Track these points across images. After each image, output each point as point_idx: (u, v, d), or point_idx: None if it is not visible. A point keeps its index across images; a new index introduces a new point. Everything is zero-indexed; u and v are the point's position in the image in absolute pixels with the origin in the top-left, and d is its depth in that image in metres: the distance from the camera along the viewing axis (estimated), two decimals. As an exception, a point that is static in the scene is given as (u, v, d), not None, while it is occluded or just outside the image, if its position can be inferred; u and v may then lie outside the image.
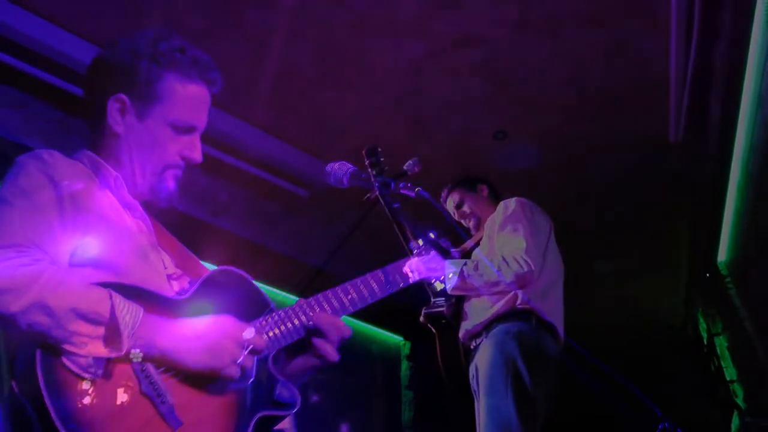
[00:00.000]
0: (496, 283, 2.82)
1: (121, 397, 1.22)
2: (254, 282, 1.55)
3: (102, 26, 3.42)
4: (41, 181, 1.40)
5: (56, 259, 1.34)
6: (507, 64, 3.83)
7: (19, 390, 1.19)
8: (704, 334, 6.50)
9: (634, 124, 4.35)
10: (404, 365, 7.01)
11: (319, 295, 1.62)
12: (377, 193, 2.01)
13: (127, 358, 1.25)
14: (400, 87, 4.00)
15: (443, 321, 3.07)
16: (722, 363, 6.03)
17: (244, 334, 1.39)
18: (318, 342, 1.53)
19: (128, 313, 1.25)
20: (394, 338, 7.14)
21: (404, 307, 3.08)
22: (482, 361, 2.88)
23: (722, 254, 5.47)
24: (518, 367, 2.74)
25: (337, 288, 1.66)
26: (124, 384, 1.24)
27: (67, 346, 1.19)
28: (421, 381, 6.77)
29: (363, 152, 2.19)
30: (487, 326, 2.98)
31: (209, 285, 1.47)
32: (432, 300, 3.01)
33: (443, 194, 3.50)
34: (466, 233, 3.40)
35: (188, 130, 1.60)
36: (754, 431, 5.12)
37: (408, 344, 7.08)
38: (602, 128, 4.42)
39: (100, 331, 1.22)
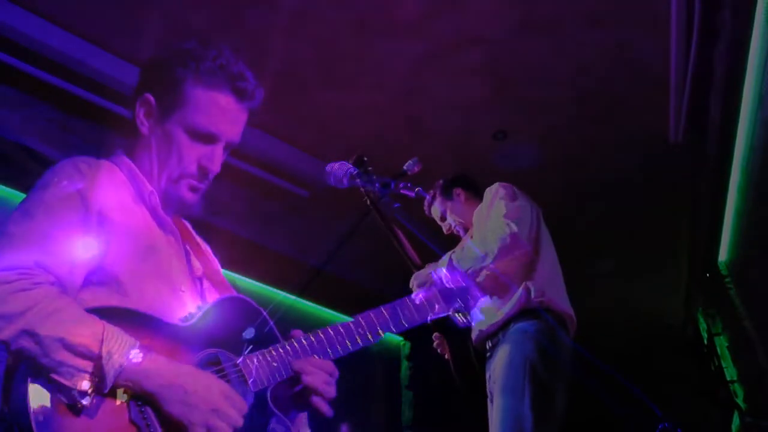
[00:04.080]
0: (485, 257, 2.76)
1: (109, 423, 1.21)
2: (259, 308, 1.51)
3: (102, 26, 3.42)
4: (70, 193, 1.37)
5: (68, 278, 1.32)
6: (507, 64, 3.83)
7: (9, 409, 1.18)
8: (704, 334, 6.48)
9: (634, 125, 4.35)
10: (404, 365, 7.00)
11: (323, 331, 1.53)
12: (377, 193, 2.01)
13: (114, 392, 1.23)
14: (400, 87, 4.00)
15: (451, 325, 3.02)
16: (722, 363, 6.01)
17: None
18: (306, 384, 1.45)
19: (119, 350, 1.22)
20: (394, 338, 7.14)
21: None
22: (500, 363, 2.83)
23: (722, 254, 5.45)
24: (536, 368, 2.70)
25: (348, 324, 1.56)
26: (113, 410, 1.22)
27: (54, 375, 1.18)
28: (421, 381, 6.76)
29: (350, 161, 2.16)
30: (503, 327, 2.92)
31: (213, 313, 1.46)
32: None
33: (426, 209, 3.42)
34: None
35: (207, 138, 1.56)
36: (754, 431, 5.11)
37: (408, 344, 7.07)
38: (602, 128, 4.41)
39: (88, 365, 1.20)
